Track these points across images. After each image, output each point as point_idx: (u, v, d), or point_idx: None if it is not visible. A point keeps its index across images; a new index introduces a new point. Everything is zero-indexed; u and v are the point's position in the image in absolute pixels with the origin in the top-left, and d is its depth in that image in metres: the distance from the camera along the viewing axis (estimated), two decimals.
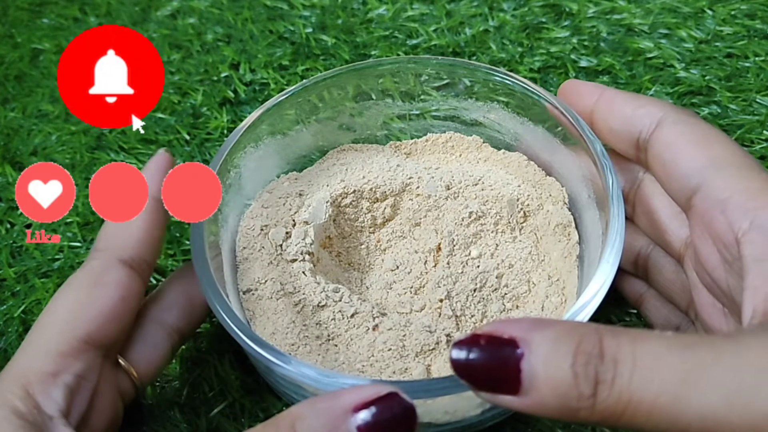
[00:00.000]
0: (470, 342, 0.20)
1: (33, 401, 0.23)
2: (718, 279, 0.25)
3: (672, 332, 0.20)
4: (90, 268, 0.27)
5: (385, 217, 0.33)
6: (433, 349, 0.28)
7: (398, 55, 0.46)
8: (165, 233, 0.29)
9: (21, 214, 0.39)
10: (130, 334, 0.28)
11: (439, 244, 0.32)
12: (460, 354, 0.20)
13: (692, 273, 0.27)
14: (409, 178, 0.33)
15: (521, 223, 0.33)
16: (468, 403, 0.25)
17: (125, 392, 0.27)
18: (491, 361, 0.19)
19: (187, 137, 0.42)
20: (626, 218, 0.28)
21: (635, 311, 0.33)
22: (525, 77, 0.35)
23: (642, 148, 0.28)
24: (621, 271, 0.31)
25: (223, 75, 0.46)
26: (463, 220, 0.32)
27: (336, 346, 0.28)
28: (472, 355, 0.20)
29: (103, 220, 0.38)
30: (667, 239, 0.29)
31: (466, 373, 0.20)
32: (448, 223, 0.32)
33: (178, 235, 0.37)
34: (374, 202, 0.33)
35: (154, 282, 0.35)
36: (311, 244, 0.31)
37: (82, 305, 0.25)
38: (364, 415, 0.20)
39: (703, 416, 0.18)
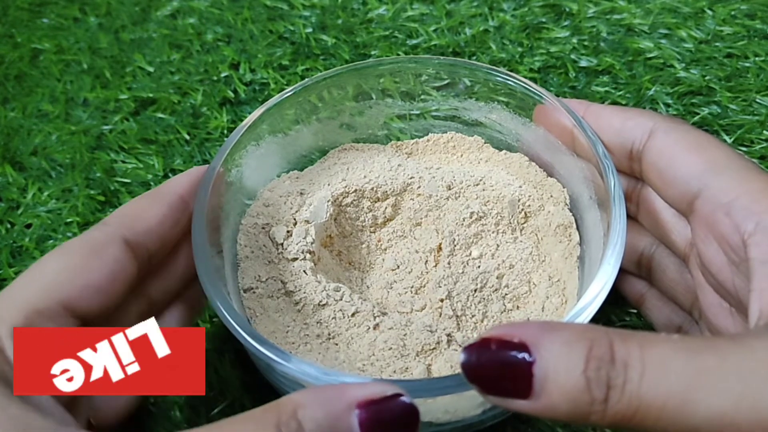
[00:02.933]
0: (480, 346, 0.20)
1: None
2: (725, 281, 0.25)
3: (678, 335, 0.20)
4: (90, 237, 0.25)
5: (386, 216, 0.33)
6: (434, 348, 0.28)
7: (398, 55, 0.46)
8: (180, 236, 0.28)
9: (21, 213, 0.39)
10: None
11: (440, 244, 0.32)
12: (470, 358, 0.20)
13: (698, 273, 0.27)
14: (411, 178, 0.33)
15: (522, 224, 0.33)
16: (468, 402, 0.25)
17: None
18: (502, 366, 0.19)
19: (187, 137, 0.42)
20: (630, 217, 0.28)
21: (635, 311, 0.33)
22: (525, 77, 0.35)
23: (635, 158, 0.28)
24: (622, 271, 0.31)
25: (223, 75, 0.46)
26: (464, 220, 0.32)
27: (336, 345, 0.28)
28: (482, 359, 0.20)
29: None
30: (671, 238, 0.29)
31: (477, 377, 0.20)
32: (449, 223, 0.32)
33: None
34: (375, 202, 0.33)
35: None
36: (312, 243, 0.31)
37: (72, 270, 0.24)
38: (367, 412, 0.20)
39: (711, 419, 0.18)
